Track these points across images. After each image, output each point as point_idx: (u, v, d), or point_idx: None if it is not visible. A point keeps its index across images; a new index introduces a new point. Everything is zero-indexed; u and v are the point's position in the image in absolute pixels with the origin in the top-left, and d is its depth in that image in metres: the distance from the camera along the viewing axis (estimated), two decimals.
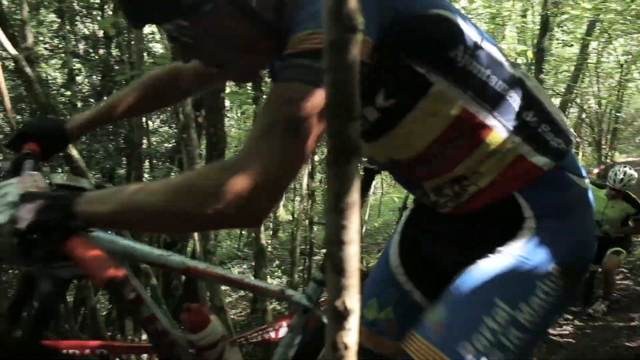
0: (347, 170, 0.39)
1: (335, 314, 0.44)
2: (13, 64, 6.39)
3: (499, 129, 1.02)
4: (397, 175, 1.27)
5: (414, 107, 0.98)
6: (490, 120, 1.01)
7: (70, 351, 2.39)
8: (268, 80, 6.70)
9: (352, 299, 0.44)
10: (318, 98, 0.79)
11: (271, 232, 11.53)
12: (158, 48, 7.76)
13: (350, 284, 0.43)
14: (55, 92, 6.88)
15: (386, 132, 1.04)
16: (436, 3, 0.97)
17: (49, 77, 8.08)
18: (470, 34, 0.99)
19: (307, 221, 4.24)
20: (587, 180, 1.11)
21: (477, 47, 1.00)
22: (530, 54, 8.09)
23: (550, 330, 4.42)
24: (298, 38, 0.81)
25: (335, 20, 0.33)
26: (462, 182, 1.06)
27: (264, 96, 3.85)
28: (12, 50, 2.60)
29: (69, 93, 6.35)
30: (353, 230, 0.41)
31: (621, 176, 4.68)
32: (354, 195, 0.40)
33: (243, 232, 13.93)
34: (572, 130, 1.14)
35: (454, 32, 0.97)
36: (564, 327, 4.52)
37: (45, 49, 7.36)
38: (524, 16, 10.69)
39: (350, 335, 0.45)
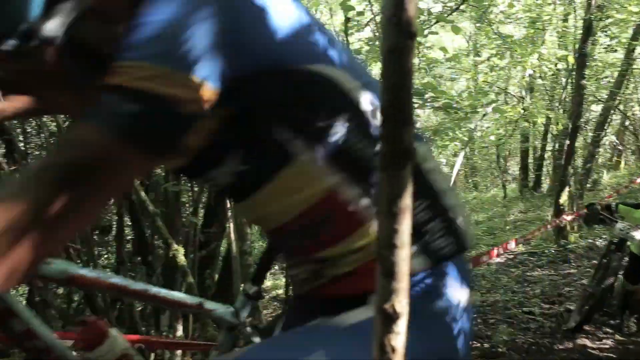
0: (400, 174, 0.39)
1: (383, 316, 0.45)
2: None
3: (375, 219, 0.82)
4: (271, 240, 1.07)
5: (273, 178, 0.82)
6: (367, 210, 0.82)
7: None
8: None
9: (402, 303, 0.44)
10: (114, 146, 0.62)
11: None
12: None
13: (399, 287, 0.43)
14: None
15: (244, 197, 0.88)
16: (317, 57, 0.78)
17: None
18: (361, 100, 0.80)
19: None
20: (465, 296, 0.92)
21: (364, 118, 0.81)
22: (571, 60, 7.88)
23: (589, 344, 4.28)
24: (115, 68, 0.64)
25: (395, 27, 0.34)
26: (321, 265, 0.89)
27: None
28: None
29: None
30: (405, 234, 0.42)
31: None
32: (407, 200, 0.40)
33: None
34: (470, 233, 0.95)
35: (335, 98, 0.79)
36: (604, 340, 4.37)
37: None
38: (566, 20, 10.43)
39: (399, 338, 0.46)
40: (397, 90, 0.36)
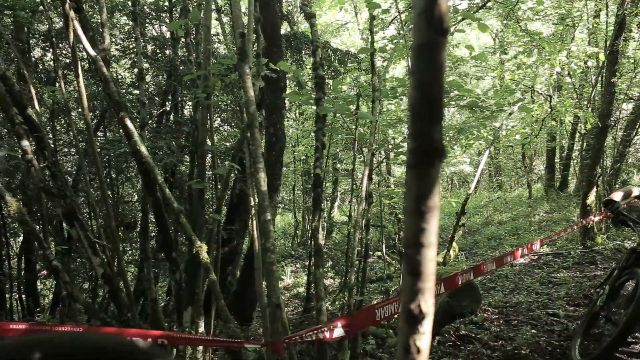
0: (429, 172, 0.39)
1: (409, 317, 0.44)
2: (88, 65, 6.78)
3: None
4: None
5: None
6: None
7: (134, 339, 2.51)
8: (330, 81, 6.74)
9: (428, 303, 0.43)
10: None
11: (325, 233, 11.55)
12: (222, 49, 7.99)
13: (426, 287, 0.43)
14: (123, 90, 7.24)
15: None
16: None
17: (119, 77, 8.51)
18: None
19: (363, 223, 4.23)
20: None
21: None
22: (602, 57, 7.69)
23: (620, 348, 4.17)
24: None
25: (426, 23, 0.33)
26: None
27: (326, 98, 3.88)
28: (92, 52, 2.75)
29: (137, 92, 6.67)
30: (432, 234, 0.41)
31: None
32: (435, 198, 0.40)
33: (297, 231, 14.11)
34: None
35: None
36: (633, 345, 4.26)
37: (117, 50, 7.76)
38: (597, 16, 10.19)
39: (424, 339, 0.45)
40: (428, 88, 0.35)
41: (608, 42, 8.08)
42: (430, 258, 0.43)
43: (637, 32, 9.20)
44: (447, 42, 0.35)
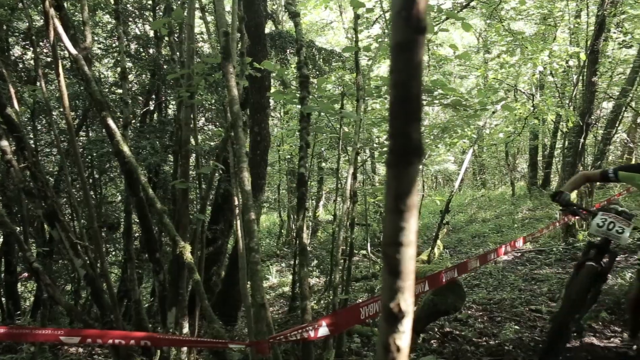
0: (408, 171, 0.39)
1: (388, 315, 0.44)
2: (69, 64, 6.68)
3: None
4: None
5: None
6: None
7: (117, 341, 2.48)
8: (314, 80, 6.73)
9: (407, 301, 0.43)
10: None
11: (310, 232, 11.55)
12: (206, 48, 7.94)
13: (405, 286, 0.43)
14: (106, 90, 7.15)
15: None
16: None
17: (102, 76, 8.40)
18: None
19: (348, 222, 4.23)
20: None
21: None
22: (583, 56, 7.81)
23: (596, 342, 4.25)
24: None
25: (404, 21, 0.33)
26: None
27: (310, 97, 3.88)
28: (73, 50, 2.71)
29: (120, 91, 6.59)
30: (411, 232, 0.41)
31: None
32: (414, 197, 0.40)
33: (282, 230, 14.09)
34: None
35: None
36: (612, 339, 4.33)
37: (99, 48, 7.66)
38: (578, 16, 10.34)
39: (403, 337, 0.45)
40: (406, 86, 0.35)
41: (589, 42, 8.21)
42: (410, 257, 0.43)
43: (615, 32, 9.36)
44: (425, 41, 0.35)
